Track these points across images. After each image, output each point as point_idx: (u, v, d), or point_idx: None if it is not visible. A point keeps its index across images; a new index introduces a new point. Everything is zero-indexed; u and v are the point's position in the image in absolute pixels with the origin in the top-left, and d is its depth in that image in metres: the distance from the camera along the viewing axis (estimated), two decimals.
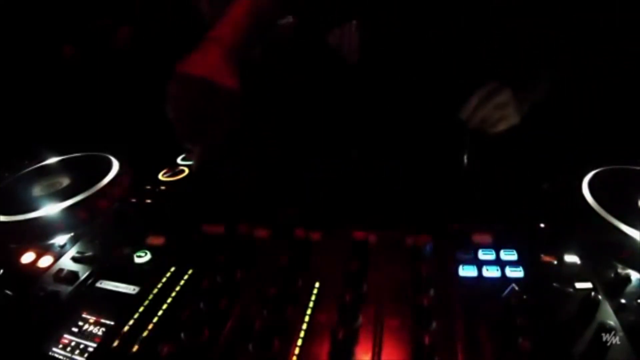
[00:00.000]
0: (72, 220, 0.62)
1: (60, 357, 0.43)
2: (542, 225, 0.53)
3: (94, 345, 0.43)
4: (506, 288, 0.43)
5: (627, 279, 0.44)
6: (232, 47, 0.56)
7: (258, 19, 0.60)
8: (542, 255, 0.47)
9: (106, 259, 0.54)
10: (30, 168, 0.77)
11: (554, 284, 0.44)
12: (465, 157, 0.74)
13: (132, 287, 0.49)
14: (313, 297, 0.45)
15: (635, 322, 0.39)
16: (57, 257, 0.56)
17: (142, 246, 0.55)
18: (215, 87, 0.52)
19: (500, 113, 0.69)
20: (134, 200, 0.68)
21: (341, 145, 0.71)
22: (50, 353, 0.43)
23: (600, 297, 0.41)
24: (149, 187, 0.70)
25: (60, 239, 0.59)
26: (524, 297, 0.42)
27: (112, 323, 0.45)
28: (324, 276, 0.47)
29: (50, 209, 0.62)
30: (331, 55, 0.76)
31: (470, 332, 0.40)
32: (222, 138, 0.58)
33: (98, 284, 0.51)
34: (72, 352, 0.43)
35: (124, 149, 0.78)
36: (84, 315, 0.47)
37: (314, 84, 0.77)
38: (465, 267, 0.46)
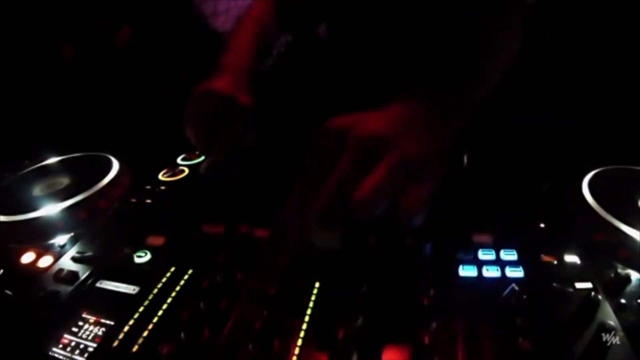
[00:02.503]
0: (72, 220, 0.62)
1: (60, 357, 0.43)
2: (542, 225, 0.53)
3: (94, 345, 0.43)
4: (506, 288, 0.43)
5: (627, 279, 0.44)
6: (245, 71, 0.60)
7: (264, 41, 0.65)
8: (542, 255, 0.47)
9: (106, 259, 0.54)
10: (30, 168, 0.77)
11: (554, 284, 0.44)
12: (465, 157, 0.74)
13: (132, 287, 0.49)
14: (313, 297, 0.45)
15: (635, 322, 0.39)
16: (57, 257, 0.56)
17: (142, 246, 0.55)
18: (231, 101, 0.55)
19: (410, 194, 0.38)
20: (134, 200, 0.68)
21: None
22: (50, 353, 0.43)
23: (600, 297, 0.41)
24: (149, 187, 0.70)
25: (60, 239, 0.59)
26: (524, 297, 0.42)
27: (112, 323, 0.45)
28: (324, 276, 0.47)
29: (50, 209, 0.62)
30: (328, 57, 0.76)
31: (470, 332, 0.39)
32: (235, 149, 0.59)
33: (98, 284, 0.51)
34: (72, 352, 0.43)
35: (124, 149, 0.78)
36: (84, 315, 0.46)
37: (316, 86, 0.77)
38: (465, 267, 0.46)
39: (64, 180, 0.71)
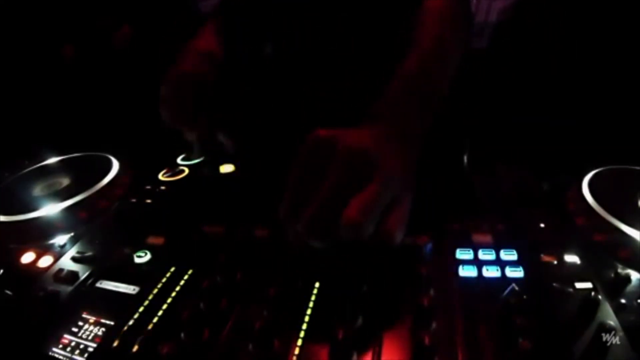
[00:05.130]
0: (72, 220, 0.62)
1: (60, 357, 0.43)
2: (542, 225, 0.53)
3: (94, 345, 0.43)
4: (506, 288, 0.43)
5: (627, 279, 0.44)
6: (212, 56, 0.59)
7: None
8: (542, 255, 0.47)
9: (106, 259, 0.55)
10: (30, 168, 0.77)
11: (554, 284, 0.44)
12: (465, 157, 0.74)
13: (132, 287, 0.49)
14: (313, 297, 0.45)
15: (635, 322, 0.39)
16: (57, 257, 0.56)
17: (142, 246, 0.55)
18: (191, 77, 0.54)
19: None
20: (134, 200, 0.68)
21: None
22: (50, 353, 0.43)
23: (600, 297, 0.41)
24: (149, 187, 0.70)
25: (60, 239, 0.59)
26: (524, 297, 0.42)
27: (112, 323, 0.45)
28: (324, 276, 0.47)
29: (50, 209, 0.62)
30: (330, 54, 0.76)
31: (470, 332, 0.40)
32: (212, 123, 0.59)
33: (98, 284, 0.51)
34: (72, 352, 0.43)
35: (124, 149, 0.78)
36: (84, 315, 0.47)
37: (316, 86, 0.77)
38: (465, 267, 0.46)
39: (64, 180, 0.71)
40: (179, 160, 0.78)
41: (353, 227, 0.35)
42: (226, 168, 0.73)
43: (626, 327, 0.38)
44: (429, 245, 0.49)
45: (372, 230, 0.36)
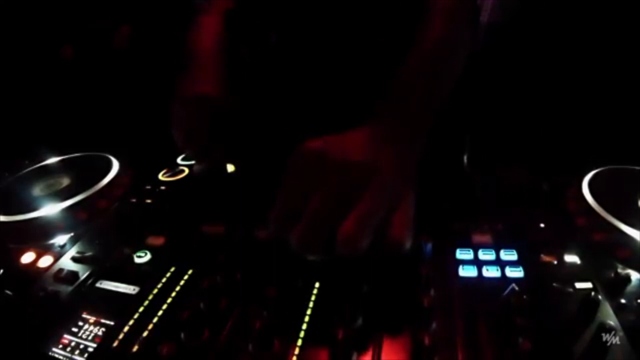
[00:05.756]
0: (72, 220, 0.62)
1: (60, 357, 0.43)
2: (542, 225, 0.53)
3: (94, 345, 0.43)
4: (506, 288, 0.43)
5: (627, 279, 0.44)
6: (220, 61, 0.54)
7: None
8: (542, 255, 0.47)
9: (106, 259, 0.55)
10: (30, 168, 0.77)
11: (554, 284, 0.44)
12: (465, 157, 0.74)
13: (132, 287, 0.49)
14: (313, 297, 0.45)
15: (635, 322, 0.39)
16: (57, 257, 0.56)
17: (142, 246, 0.55)
18: (221, 105, 0.52)
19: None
20: (134, 200, 0.68)
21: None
22: (50, 353, 0.43)
23: (600, 297, 0.41)
24: (149, 187, 0.70)
25: (60, 239, 0.59)
26: (524, 297, 0.42)
27: (112, 323, 0.45)
28: (324, 276, 0.47)
29: (50, 209, 0.62)
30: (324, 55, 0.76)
31: (470, 332, 0.40)
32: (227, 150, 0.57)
33: (98, 284, 0.51)
34: (72, 352, 0.43)
35: (124, 149, 0.78)
36: (84, 315, 0.47)
37: (315, 86, 0.77)
38: (465, 267, 0.46)
39: (64, 180, 0.71)
40: (179, 160, 0.79)
41: (350, 243, 0.34)
42: (228, 168, 0.73)
43: (626, 327, 0.38)
44: (429, 245, 0.49)
45: (369, 244, 0.35)
